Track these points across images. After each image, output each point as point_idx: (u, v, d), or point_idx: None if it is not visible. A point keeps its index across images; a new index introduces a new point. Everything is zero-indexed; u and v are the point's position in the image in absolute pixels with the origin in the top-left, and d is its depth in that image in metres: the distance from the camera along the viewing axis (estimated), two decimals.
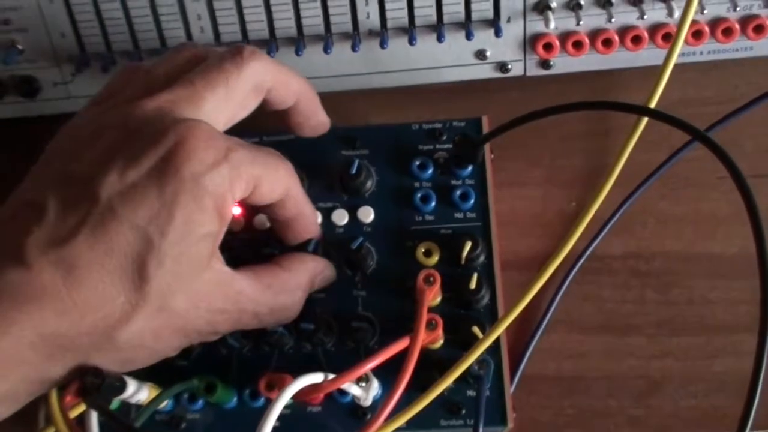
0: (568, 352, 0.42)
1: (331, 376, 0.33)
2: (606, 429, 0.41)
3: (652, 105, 0.37)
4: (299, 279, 0.36)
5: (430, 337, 0.35)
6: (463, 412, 0.36)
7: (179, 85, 0.32)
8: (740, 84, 0.45)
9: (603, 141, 0.45)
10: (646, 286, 0.43)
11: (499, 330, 0.34)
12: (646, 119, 0.36)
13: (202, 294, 0.31)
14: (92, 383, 0.32)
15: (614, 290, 0.43)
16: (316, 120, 0.38)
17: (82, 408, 0.34)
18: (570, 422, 0.41)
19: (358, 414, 0.37)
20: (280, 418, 0.36)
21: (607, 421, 0.41)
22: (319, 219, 0.39)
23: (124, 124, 0.30)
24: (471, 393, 0.36)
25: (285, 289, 0.35)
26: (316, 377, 0.32)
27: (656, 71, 0.38)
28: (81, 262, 0.28)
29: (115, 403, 0.36)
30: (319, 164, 0.40)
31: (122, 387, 0.34)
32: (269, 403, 0.36)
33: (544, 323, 0.42)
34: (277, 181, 0.33)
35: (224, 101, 0.32)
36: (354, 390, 0.35)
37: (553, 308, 0.42)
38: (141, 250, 0.29)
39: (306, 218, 0.37)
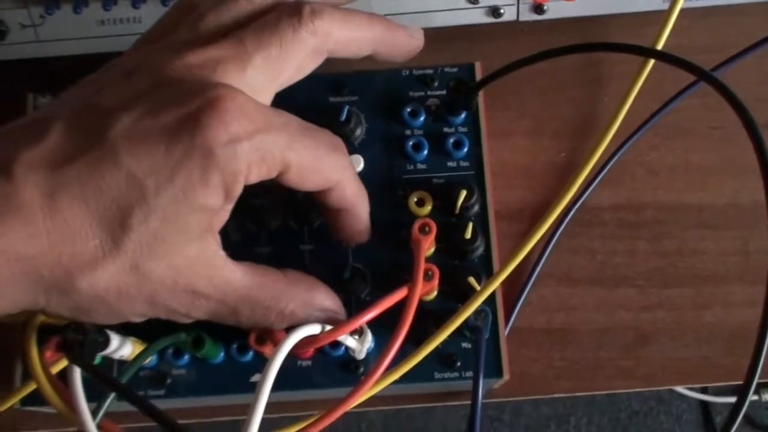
0: (558, 305, 0.41)
1: (328, 327, 0.31)
2: (596, 381, 0.40)
3: (659, 47, 0.36)
4: (296, 296, 0.33)
5: (426, 287, 0.34)
6: (458, 364, 0.36)
7: (229, 43, 0.30)
8: (732, 33, 0.44)
9: (592, 90, 0.44)
10: (636, 237, 0.42)
11: (499, 280, 0.33)
12: (651, 63, 0.35)
13: (183, 269, 0.29)
14: (74, 339, 0.31)
15: (604, 242, 0.42)
16: (400, 55, 0.36)
17: (62, 364, 0.33)
18: (560, 374, 0.40)
19: (350, 367, 0.36)
20: None
21: (597, 373, 0.41)
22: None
23: (160, 72, 0.29)
24: (466, 345, 0.36)
25: (275, 296, 0.32)
26: (314, 328, 0.31)
27: (651, 17, 0.37)
28: (66, 192, 0.27)
29: (97, 359, 0.34)
30: (306, 111, 0.38)
31: (105, 342, 0.32)
32: (258, 356, 0.36)
33: (534, 276, 0.41)
34: (313, 173, 0.31)
35: (275, 65, 0.30)
36: (349, 342, 0.33)
37: (543, 261, 0.41)
38: (130, 199, 0.27)
39: (353, 218, 0.34)
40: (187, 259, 0.29)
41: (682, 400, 1.03)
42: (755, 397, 1.04)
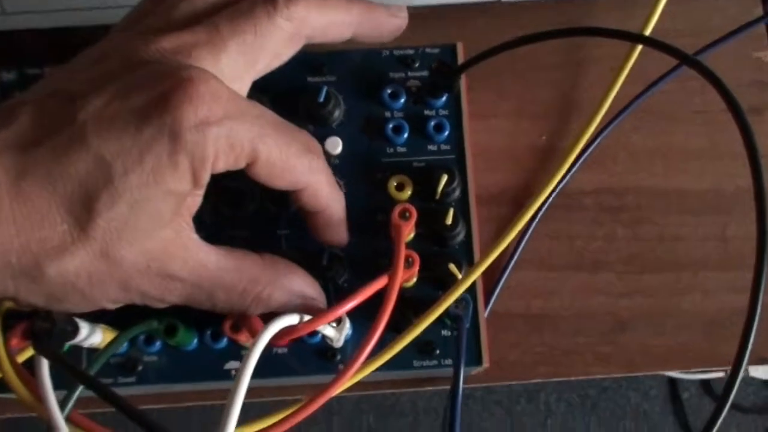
0: (536, 290, 0.41)
1: (307, 317, 0.31)
2: (575, 366, 0.40)
3: (647, 32, 0.35)
4: (273, 280, 0.32)
5: (406, 274, 0.33)
6: (437, 352, 0.35)
7: (203, 28, 0.29)
8: (714, 16, 0.44)
9: (574, 72, 0.43)
10: (617, 222, 0.42)
11: (481, 269, 0.32)
12: (639, 48, 0.34)
13: (156, 253, 0.28)
14: (42, 328, 0.29)
15: (584, 227, 0.42)
16: (382, 36, 0.35)
17: (29, 353, 0.32)
18: (538, 360, 0.40)
19: (327, 355, 0.35)
20: None
21: (575, 358, 0.40)
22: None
23: (132, 56, 0.28)
24: (445, 332, 0.35)
25: (252, 280, 0.31)
26: (292, 319, 0.30)
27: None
28: (32, 175, 0.26)
29: (65, 347, 0.33)
30: (283, 91, 0.37)
31: (74, 331, 0.31)
32: (232, 343, 0.35)
33: (513, 261, 0.41)
34: (282, 170, 0.30)
35: (250, 53, 0.30)
36: (327, 331, 0.33)
37: (522, 246, 0.41)
38: (98, 182, 0.26)
39: (326, 220, 0.33)
40: (160, 243, 0.28)
41: (649, 377, 1.05)
42: (721, 374, 1.05)
